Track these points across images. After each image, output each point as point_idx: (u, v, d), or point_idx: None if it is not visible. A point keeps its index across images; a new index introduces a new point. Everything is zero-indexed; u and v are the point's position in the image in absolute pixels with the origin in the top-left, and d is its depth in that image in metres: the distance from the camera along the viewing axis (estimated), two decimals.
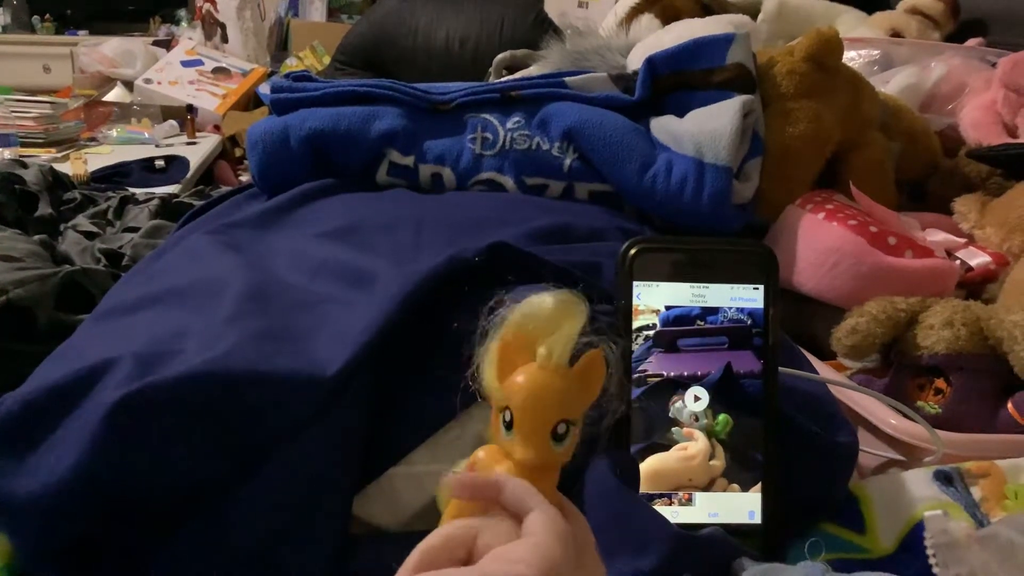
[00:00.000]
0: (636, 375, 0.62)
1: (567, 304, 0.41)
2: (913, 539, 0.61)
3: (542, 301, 0.41)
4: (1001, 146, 1.18)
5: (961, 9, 1.77)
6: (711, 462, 0.62)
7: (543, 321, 0.40)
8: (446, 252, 0.65)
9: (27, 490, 0.52)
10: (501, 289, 0.44)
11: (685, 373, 0.63)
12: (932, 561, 0.57)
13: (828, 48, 1.05)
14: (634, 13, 1.49)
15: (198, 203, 1.10)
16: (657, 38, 1.21)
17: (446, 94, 1.00)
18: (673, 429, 0.62)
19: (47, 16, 4.28)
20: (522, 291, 0.43)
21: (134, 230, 1.19)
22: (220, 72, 2.87)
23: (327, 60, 2.84)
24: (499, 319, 0.42)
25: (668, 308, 0.64)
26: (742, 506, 0.62)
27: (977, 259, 1.00)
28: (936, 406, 0.79)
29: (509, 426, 0.41)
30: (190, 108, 2.45)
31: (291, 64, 3.05)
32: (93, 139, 2.25)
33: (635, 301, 0.63)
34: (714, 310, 0.64)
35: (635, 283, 0.63)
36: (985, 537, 0.56)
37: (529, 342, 0.41)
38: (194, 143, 2.29)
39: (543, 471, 0.42)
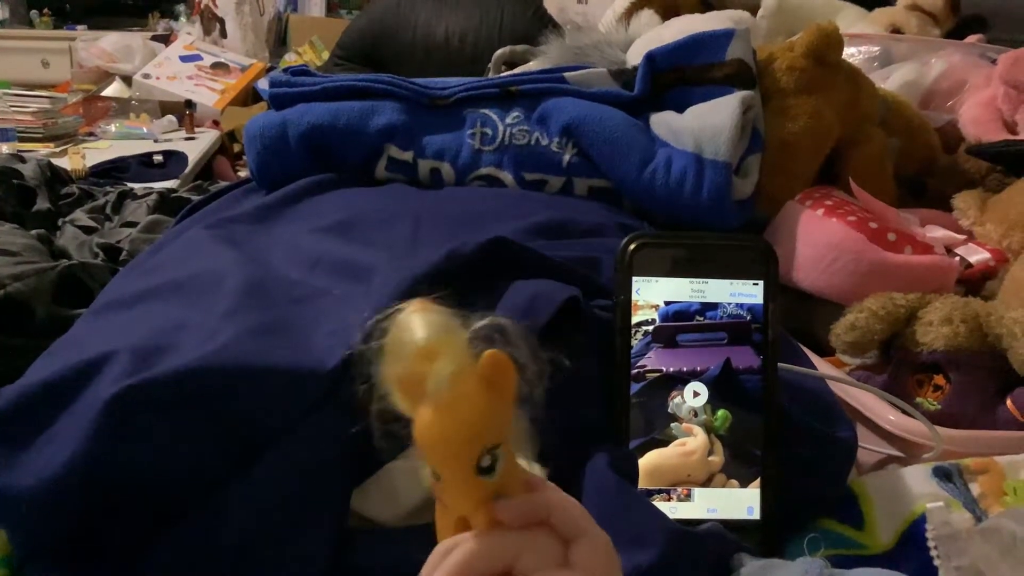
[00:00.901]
0: (635, 370, 0.62)
1: (437, 331, 0.34)
2: (912, 535, 0.61)
3: (408, 330, 0.34)
4: (1001, 142, 1.19)
5: (961, 5, 1.77)
6: (710, 458, 0.62)
7: (416, 355, 0.34)
8: (444, 247, 0.65)
9: (24, 484, 0.52)
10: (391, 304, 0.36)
11: (684, 369, 0.63)
12: (934, 553, 0.57)
13: (828, 44, 1.05)
14: (633, 8, 1.49)
15: (196, 198, 1.10)
16: (657, 33, 1.20)
17: (445, 89, 1.00)
18: (672, 425, 0.62)
19: (45, 10, 4.27)
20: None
21: (132, 225, 1.19)
22: (219, 67, 2.86)
23: (326, 55, 2.84)
24: (379, 349, 0.35)
25: (667, 303, 0.64)
26: (741, 502, 0.62)
27: (976, 256, 1.00)
28: (935, 402, 0.79)
29: (437, 476, 0.36)
30: (189, 103, 2.45)
31: (290, 59, 3.04)
32: (91, 134, 2.25)
33: (634, 296, 0.63)
34: (713, 305, 0.64)
35: (634, 278, 0.63)
36: (987, 529, 0.56)
37: (416, 374, 0.34)
38: (193, 138, 2.29)
39: (487, 508, 0.37)
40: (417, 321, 0.35)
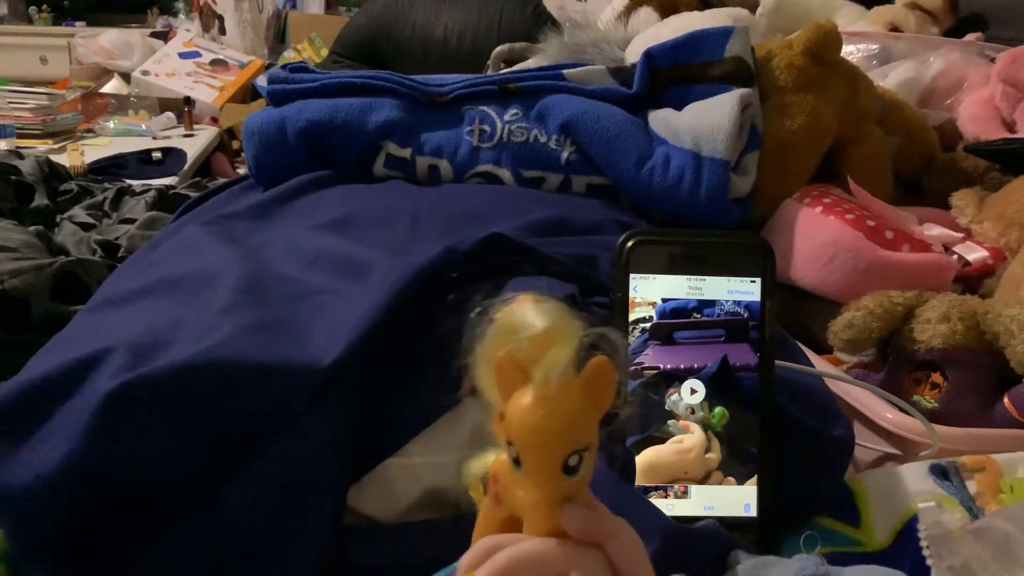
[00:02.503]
0: (632, 367, 0.62)
1: (557, 321, 0.35)
2: (908, 533, 0.61)
3: (526, 316, 0.35)
4: (999, 141, 1.19)
5: (960, 4, 1.77)
6: (707, 455, 0.62)
7: (531, 340, 0.35)
8: (442, 244, 0.65)
9: (21, 481, 0.52)
10: (485, 290, 0.39)
11: (681, 366, 0.63)
12: (926, 553, 0.57)
13: (826, 42, 1.04)
14: (632, 6, 1.48)
15: (195, 195, 1.10)
16: (655, 31, 1.20)
17: (443, 86, 1.00)
18: (669, 422, 0.62)
19: (44, 7, 4.26)
20: (510, 291, 0.38)
21: (130, 221, 1.19)
22: (218, 64, 2.86)
23: (325, 52, 2.84)
24: (483, 332, 0.36)
25: (665, 301, 0.64)
26: (738, 499, 0.62)
27: (974, 254, 1.00)
28: (932, 400, 0.79)
29: (517, 462, 0.36)
30: (187, 100, 2.45)
31: (289, 56, 3.04)
32: (90, 131, 2.25)
33: (632, 294, 0.63)
34: (711, 303, 0.64)
35: (632, 276, 0.63)
36: (979, 529, 0.56)
37: (522, 359, 0.35)
38: (191, 135, 2.29)
39: (557, 508, 0.36)
40: (535, 310, 0.35)
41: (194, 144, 2.14)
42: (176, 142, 2.13)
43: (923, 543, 0.57)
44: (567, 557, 0.36)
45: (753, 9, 1.64)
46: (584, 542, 0.37)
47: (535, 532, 0.37)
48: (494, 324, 0.36)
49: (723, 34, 1.01)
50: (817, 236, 0.94)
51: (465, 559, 0.37)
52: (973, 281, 0.98)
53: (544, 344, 0.34)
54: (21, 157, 1.41)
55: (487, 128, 0.97)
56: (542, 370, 0.34)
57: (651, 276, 0.64)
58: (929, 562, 0.56)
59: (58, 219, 1.23)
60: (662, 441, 0.62)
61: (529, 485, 0.36)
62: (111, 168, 1.82)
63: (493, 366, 0.36)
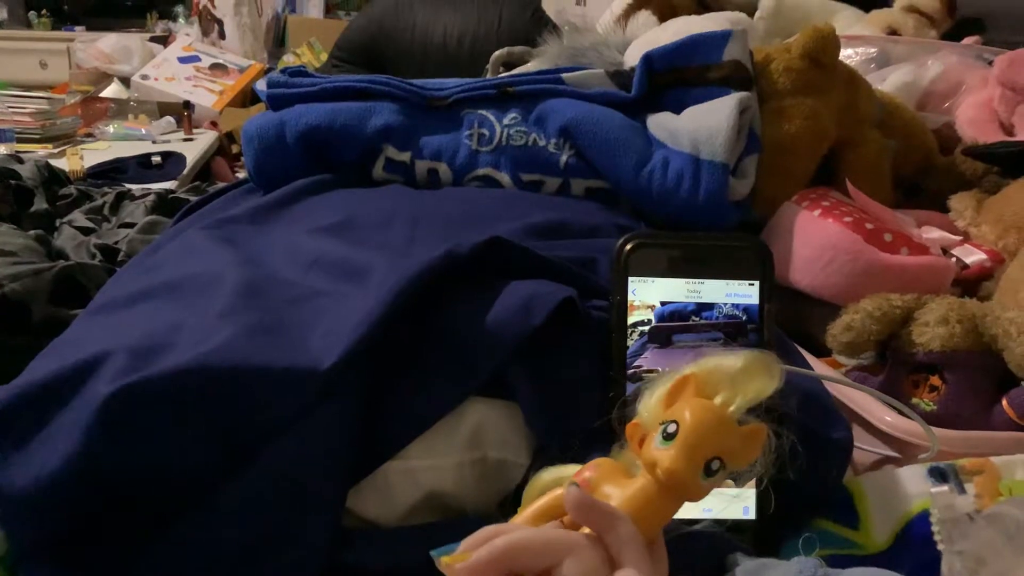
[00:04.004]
0: (631, 370, 0.62)
1: (760, 366, 0.42)
2: (907, 535, 0.61)
3: (737, 359, 0.42)
4: (997, 144, 1.19)
5: (958, 7, 1.77)
6: None
7: (729, 375, 0.42)
8: (442, 247, 0.65)
9: (21, 483, 0.52)
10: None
11: None
12: (937, 538, 0.57)
13: (825, 45, 1.05)
14: (631, 10, 1.49)
15: (194, 199, 1.10)
16: (654, 35, 1.21)
17: (442, 90, 1.00)
18: None
19: (44, 11, 4.27)
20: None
21: (130, 226, 1.19)
22: (217, 68, 2.86)
23: (324, 56, 2.84)
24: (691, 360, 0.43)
25: (663, 304, 0.64)
26: (737, 502, 0.62)
27: (973, 256, 1.00)
28: (931, 403, 0.80)
29: (669, 437, 0.40)
30: (187, 104, 2.45)
31: (288, 60, 3.05)
32: (90, 135, 2.25)
33: (630, 297, 0.63)
34: (709, 306, 0.64)
35: (630, 279, 0.63)
36: (992, 515, 0.56)
37: (708, 387, 0.42)
38: (191, 139, 2.29)
39: (672, 497, 0.41)
40: (745, 355, 0.43)
41: (194, 148, 2.15)
42: (176, 146, 2.13)
43: (934, 527, 0.57)
44: (563, 544, 0.38)
45: (751, 13, 1.64)
46: (582, 529, 0.39)
47: (632, 508, 0.41)
48: (703, 357, 0.43)
49: (722, 38, 1.01)
50: (815, 239, 0.94)
51: (467, 540, 0.39)
52: (971, 284, 0.98)
53: (740, 377, 0.42)
54: (21, 161, 1.41)
55: (486, 132, 0.97)
56: (730, 394, 0.41)
57: (650, 279, 0.64)
58: (940, 547, 0.56)
59: (57, 223, 1.23)
60: None
61: (669, 456, 0.40)
62: (111, 172, 1.82)
63: (681, 377, 0.42)
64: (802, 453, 0.64)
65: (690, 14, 1.43)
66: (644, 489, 0.41)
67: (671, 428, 0.40)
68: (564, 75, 1.01)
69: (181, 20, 3.82)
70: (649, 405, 0.42)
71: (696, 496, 0.41)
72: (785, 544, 0.62)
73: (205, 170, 2.17)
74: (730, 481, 0.62)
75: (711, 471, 0.40)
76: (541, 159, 0.96)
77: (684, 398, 0.42)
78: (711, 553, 0.56)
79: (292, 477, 0.55)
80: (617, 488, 0.42)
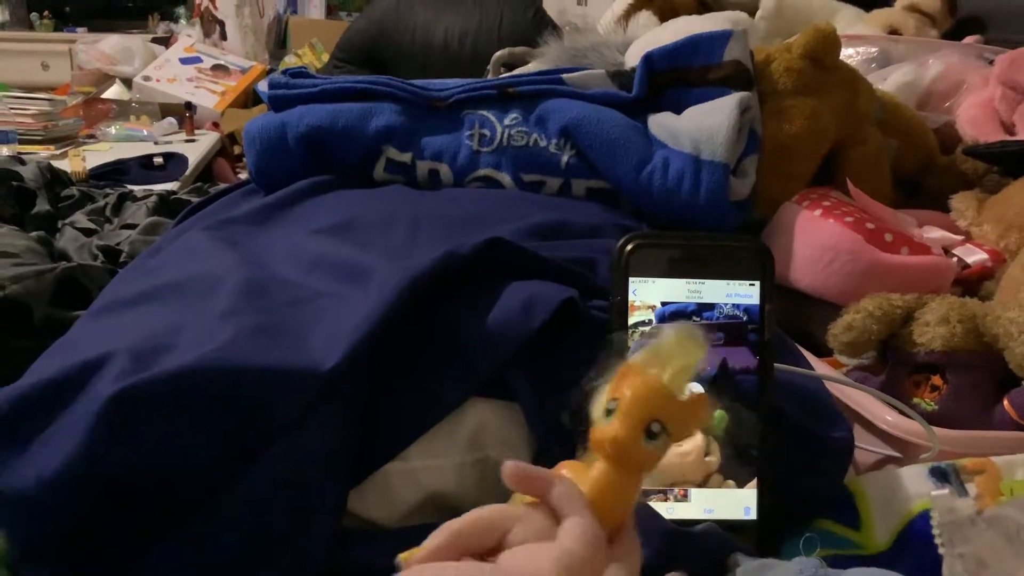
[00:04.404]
0: None
1: (685, 336, 0.43)
2: (908, 535, 0.61)
3: (662, 337, 0.43)
4: (998, 143, 1.19)
5: (959, 6, 1.77)
6: (706, 458, 0.62)
7: (659, 352, 0.43)
8: (442, 248, 0.65)
9: (22, 484, 0.52)
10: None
11: None
12: (938, 541, 0.57)
13: (826, 45, 1.05)
14: (632, 10, 1.49)
15: (196, 200, 1.10)
16: (655, 35, 1.21)
17: (443, 91, 1.00)
18: None
19: (46, 13, 4.28)
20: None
21: (132, 227, 1.19)
22: (219, 69, 2.87)
23: (326, 57, 2.85)
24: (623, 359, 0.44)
25: (664, 304, 0.64)
26: (737, 502, 0.62)
27: (974, 256, 1.00)
28: (932, 403, 0.80)
29: (611, 412, 0.42)
30: (189, 105, 2.45)
31: (290, 61, 3.05)
32: (92, 136, 2.26)
33: (631, 297, 0.63)
34: (710, 306, 0.64)
35: (631, 279, 0.63)
36: (992, 518, 0.56)
37: (647, 369, 0.43)
38: (193, 140, 2.29)
39: (625, 469, 0.42)
40: (669, 329, 0.43)
41: (195, 149, 2.15)
42: (177, 147, 2.14)
43: (935, 531, 0.57)
44: (509, 516, 0.40)
45: (752, 13, 1.64)
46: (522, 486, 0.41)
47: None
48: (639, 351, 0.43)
49: (722, 38, 1.01)
50: (816, 239, 0.94)
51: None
52: (972, 283, 0.98)
53: (670, 351, 0.42)
54: (23, 163, 1.42)
55: (487, 132, 0.97)
56: (665, 369, 0.42)
57: (650, 279, 0.64)
58: (941, 550, 0.56)
59: (60, 225, 1.24)
60: None
61: (611, 426, 0.42)
62: (112, 174, 1.83)
63: (621, 368, 0.43)
64: (803, 453, 0.64)
65: (691, 14, 1.44)
66: (600, 472, 0.42)
67: (611, 405, 0.42)
68: (565, 75, 1.02)
69: (183, 21, 3.83)
70: (599, 403, 0.43)
71: (645, 462, 0.42)
72: (786, 544, 0.62)
73: (207, 171, 2.17)
74: (730, 481, 0.62)
75: (652, 434, 0.41)
76: (542, 159, 0.96)
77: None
78: (712, 553, 0.56)
79: (293, 478, 0.55)
80: (581, 483, 0.43)
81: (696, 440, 0.62)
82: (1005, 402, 0.77)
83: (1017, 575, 0.53)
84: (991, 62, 1.38)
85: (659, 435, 0.41)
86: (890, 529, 0.63)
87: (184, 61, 2.87)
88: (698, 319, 0.64)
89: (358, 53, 2.46)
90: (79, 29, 4.10)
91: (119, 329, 0.62)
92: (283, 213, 0.88)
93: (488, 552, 0.40)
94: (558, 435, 0.59)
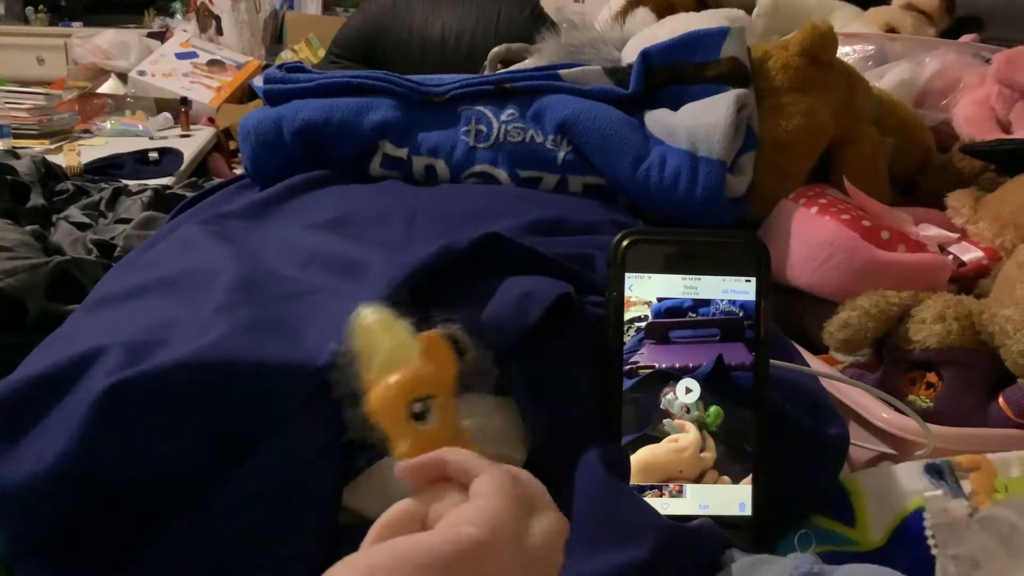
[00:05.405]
0: (628, 366, 0.62)
1: (375, 324, 0.44)
2: (903, 532, 0.61)
3: (353, 337, 0.44)
4: (994, 141, 1.19)
5: (956, 5, 1.77)
6: (702, 454, 0.62)
7: (363, 356, 0.44)
8: (439, 243, 0.65)
9: (15, 478, 0.51)
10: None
11: (677, 365, 0.63)
12: (931, 543, 0.57)
13: (823, 42, 1.05)
14: (629, 7, 1.49)
15: (191, 195, 1.10)
16: (652, 32, 1.21)
17: (440, 86, 1.00)
18: (664, 421, 0.62)
19: (41, 7, 4.26)
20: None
21: (126, 221, 1.19)
22: (215, 65, 2.86)
23: (322, 53, 2.84)
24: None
25: (660, 300, 0.64)
26: (733, 498, 0.62)
27: (970, 254, 1.00)
28: (927, 400, 0.80)
29: (385, 439, 0.44)
30: (184, 100, 2.45)
31: (286, 57, 3.04)
32: (87, 131, 2.25)
33: (627, 293, 0.63)
34: (706, 302, 0.64)
35: (627, 275, 0.63)
36: (985, 519, 0.56)
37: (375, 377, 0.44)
38: (188, 136, 2.28)
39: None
40: (360, 323, 0.45)
41: (191, 145, 2.14)
42: (173, 142, 2.13)
43: (928, 531, 0.57)
44: (422, 501, 0.42)
45: (749, 10, 1.64)
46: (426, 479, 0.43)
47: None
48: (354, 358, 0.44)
49: (719, 35, 1.01)
50: (813, 236, 0.94)
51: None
52: (968, 281, 0.99)
53: (371, 341, 0.44)
54: (17, 157, 1.41)
55: (483, 128, 0.97)
56: (368, 362, 0.43)
57: (647, 275, 0.64)
58: (934, 552, 0.56)
59: (54, 219, 1.23)
60: (657, 440, 0.62)
61: (397, 440, 0.43)
62: (107, 168, 1.82)
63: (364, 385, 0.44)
64: (798, 449, 0.64)
65: (688, 11, 1.43)
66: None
67: (380, 430, 0.44)
68: (562, 71, 1.01)
69: (179, 16, 3.82)
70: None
71: (447, 437, 0.43)
72: (781, 541, 0.62)
73: (202, 167, 2.16)
74: (726, 477, 0.62)
75: (420, 415, 0.43)
76: (539, 155, 0.96)
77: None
78: (707, 549, 0.56)
79: (288, 473, 0.55)
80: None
81: (692, 436, 0.62)
82: (1000, 399, 0.77)
83: (1010, 575, 0.53)
84: (988, 60, 1.39)
85: (427, 408, 0.43)
86: (885, 526, 0.63)
87: (180, 56, 2.86)
88: (694, 315, 0.64)
89: (354, 49, 2.46)
90: (75, 23, 4.08)
91: (113, 323, 0.62)
92: (278, 208, 0.88)
93: None
94: (553, 430, 0.59)
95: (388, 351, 0.44)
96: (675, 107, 0.99)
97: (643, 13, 1.40)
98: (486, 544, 0.37)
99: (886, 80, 1.34)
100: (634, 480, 0.61)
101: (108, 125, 2.25)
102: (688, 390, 0.62)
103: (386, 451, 0.44)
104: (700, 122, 0.93)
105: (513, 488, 0.41)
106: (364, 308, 0.45)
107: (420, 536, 0.38)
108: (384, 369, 0.43)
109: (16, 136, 2.05)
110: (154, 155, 1.94)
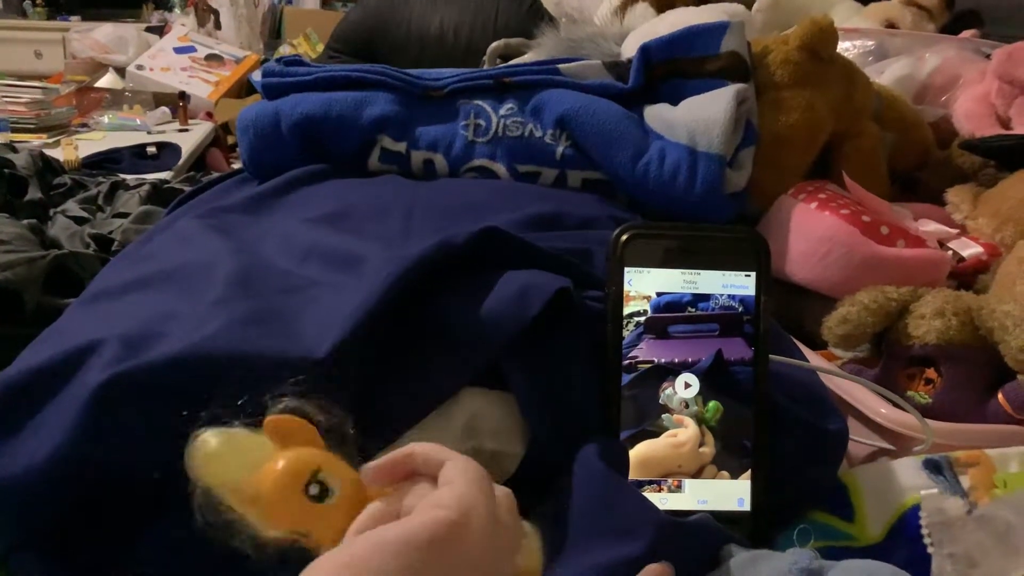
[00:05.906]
0: (626, 361, 0.62)
1: (219, 447, 0.43)
2: (901, 527, 0.61)
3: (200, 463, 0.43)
4: (994, 137, 1.19)
5: (956, 0, 1.77)
6: (701, 449, 0.62)
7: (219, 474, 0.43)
8: (437, 237, 0.64)
9: (11, 471, 0.51)
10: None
11: (676, 360, 0.63)
12: (927, 541, 0.57)
13: (823, 37, 1.04)
14: (628, 2, 1.48)
15: (189, 189, 1.09)
16: (651, 26, 1.20)
17: (439, 80, 1.00)
18: (663, 416, 0.62)
19: (39, 1, 4.25)
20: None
21: (124, 215, 1.19)
22: (213, 59, 2.85)
23: (321, 48, 2.83)
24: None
25: (659, 294, 0.63)
26: (731, 493, 0.62)
27: (969, 250, 1.00)
28: (926, 396, 0.80)
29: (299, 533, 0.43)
30: (182, 95, 2.44)
31: (284, 51, 3.04)
32: (85, 125, 2.24)
33: (626, 287, 0.63)
34: (705, 297, 0.64)
35: (626, 269, 0.63)
36: (981, 517, 0.56)
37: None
38: (186, 130, 2.28)
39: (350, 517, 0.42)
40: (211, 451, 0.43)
41: (189, 139, 2.14)
42: (171, 137, 2.12)
43: (924, 530, 0.57)
44: (393, 498, 0.43)
45: (749, 5, 1.63)
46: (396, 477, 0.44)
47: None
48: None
49: (719, 29, 1.01)
50: (812, 232, 0.94)
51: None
52: (968, 277, 0.99)
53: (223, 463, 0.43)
54: (15, 151, 1.41)
55: (482, 122, 0.97)
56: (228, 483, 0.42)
57: (646, 270, 0.64)
58: (930, 550, 0.56)
59: (51, 213, 1.23)
60: (656, 435, 0.62)
61: (317, 528, 0.42)
62: (105, 163, 1.82)
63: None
64: (797, 445, 0.64)
65: (687, 5, 1.43)
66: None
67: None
68: (561, 66, 1.01)
69: (177, 10, 3.81)
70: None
71: (357, 498, 0.43)
72: (780, 536, 0.62)
73: (200, 161, 2.16)
74: (724, 472, 0.62)
75: (317, 496, 0.42)
76: (537, 150, 0.96)
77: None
78: (705, 545, 0.56)
79: None
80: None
81: (691, 431, 0.62)
82: (999, 395, 0.77)
83: (1007, 574, 0.53)
84: (988, 56, 1.38)
85: (321, 493, 0.42)
86: (883, 521, 0.63)
87: (178, 50, 2.85)
88: (693, 310, 0.64)
89: (353, 44, 2.45)
90: (72, 17, 4.08)
91: (110, 317, 0.62)
92: (276, 202, 0.87)
93: None
94: (552, 425, 0.59)
95: (246, 465, 0.42)
96: (675, 102, 0.98)
97: (642, 8, 1.40)
98: (459, 524, 0.39)
99: (886, 76, 1.34)
100: (632, 475, 0.60)
101: (106, 119, 2.24)
102: (687, 385, 0.62)
103: (311, 549, 0.43)
104: (699, 117, 0.93)
105: (480, 473, 0.42)
106: (200, 435, 0.44)
107: (395, 524, 0.39)
108: (254, 483, 0.42)
109: (14, 130, 2.04)
110: (152, 149, 1.94)
